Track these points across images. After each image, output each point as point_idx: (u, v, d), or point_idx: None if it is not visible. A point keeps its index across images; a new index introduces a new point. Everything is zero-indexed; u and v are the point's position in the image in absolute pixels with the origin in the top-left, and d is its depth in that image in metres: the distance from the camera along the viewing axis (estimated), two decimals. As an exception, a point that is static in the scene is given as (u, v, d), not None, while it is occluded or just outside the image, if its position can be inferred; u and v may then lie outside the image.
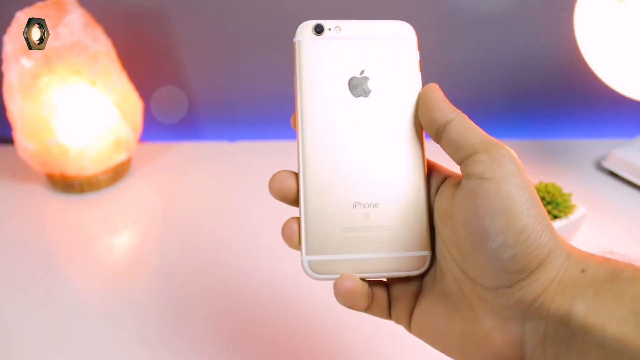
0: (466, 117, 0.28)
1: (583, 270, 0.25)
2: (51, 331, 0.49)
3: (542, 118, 0.81)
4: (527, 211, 0.25)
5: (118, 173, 0.70)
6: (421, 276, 0.30)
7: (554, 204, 0.52)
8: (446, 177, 0.30)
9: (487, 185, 0.26)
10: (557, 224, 0.51)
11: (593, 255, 0.26)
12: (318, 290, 0.50)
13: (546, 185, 0.53)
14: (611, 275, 0.24)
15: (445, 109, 0.28)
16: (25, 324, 0.50)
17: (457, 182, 0.29)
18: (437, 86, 0.30)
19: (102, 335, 0.48)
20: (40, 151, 0.64)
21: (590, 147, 0.74)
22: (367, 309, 0.31)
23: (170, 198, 0.68)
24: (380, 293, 0.31)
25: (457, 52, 0.75)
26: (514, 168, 0.26)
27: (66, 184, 0.68)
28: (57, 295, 0.53)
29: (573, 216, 0.52)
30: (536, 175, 0.66)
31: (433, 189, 0.30)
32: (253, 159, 0.75)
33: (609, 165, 0.68)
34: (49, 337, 0.48)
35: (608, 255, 0.26)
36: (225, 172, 0.73)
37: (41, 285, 0.54)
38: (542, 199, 0.52)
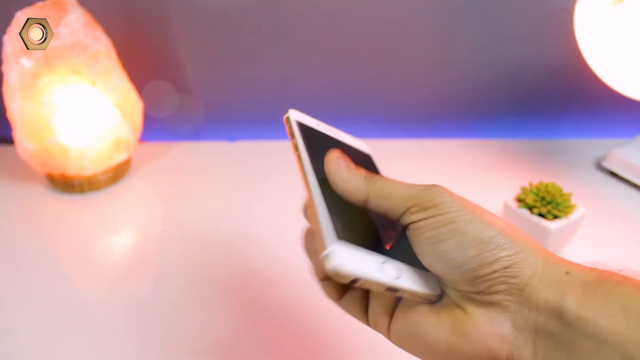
0: (377, 182, 0.29)
1: (567, 272, 0.26)
2: (51, 331, 0.49)
3: (542, 118, 0.80)
4: (474, 225, 0.26)
5: (118, 173, 0.70)
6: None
7: (554, 204, 0.52)
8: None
9: (427, 223, 0.27)
10: (557, 224, 0.51)
11: (576, 263, 0.26)
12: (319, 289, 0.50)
13: (546, 185, 0.53)
14: (599, 280, 0.25)
15: (353, 189, 0.29)
16: (25, 323, 0.50)
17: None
18: (336, 157, 0.30)
19: (102, 335, 0.48)
20: (40, 151, 0.64)
21: (590, 147, 0.74)
22: (340, 300, 0.32)
23: (170, 198, 0.68)
24: (357, 290, 0.32)
25: (457, 52, 0.75)
26: (447, 200, 0.27)
27: (66, 184, 0.68)
28: (56, 295, 0.53)
29: (573, 216, 0.52)
30: (536, 175, 0.66)
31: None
32: (253, 159, 0.75)
33: (609, 165, 0.68)
34: (48, 337, 0.48)
35: (596, 265, 0.27)
36: (225, 172, 0.73)
37: (41, 285, 0.54)
38: (542, 198, 0.52)
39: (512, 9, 0.72)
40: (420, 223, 0.27)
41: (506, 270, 0.26)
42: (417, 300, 0.29)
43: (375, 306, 0.31)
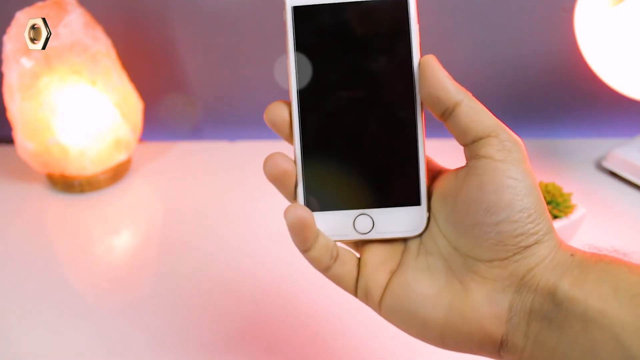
0: (473, 97, 0.29)
1: (572, 255, 0.26)
2: (51, 331, 0.49)
3: (542, 118, 0.80)
4: (531, 192, 0.27)
5: (118, 173, 0.70)
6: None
7: (554, 204, 0.52)
8: (441, 170, 0.31)
9: (496, 165, 0.27)
10: (557, 223, 0.51)
11: (579, 249, 0.27)
12: (320, 288, 0.50)
13: (546, 185, 0.53)
14: (596, 259, 0.26)
15: (451, 89, 0.28)
16: (25, 323, 0.50)
17: (459, 168, 0.29)
18: (436, 59, 0.29)
19: (102, 335, 0.48)
20: (40, 151, 0.64)
21: (590, 147, 0.74)
22: (328, 271, 0.30)
23: (170, 198, 0.68)
24: (347, 257, 0.30)
25: (457, 52, 0.75)
26: (520, 155, 0.28)
27: (66, 184, 0.68)
28: (56, 295, 0.53)
29: (573, 216, 0.52)
30: (536, 175, 0.66)
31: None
32: (253, 159, 0.74)
33: (609, 165, 0.68)
34: (48, 337, 0.48)
35: (594, 251, 0.28)
36: (225, 172, 0.73)
37: (41, 285, 0.54)
38: (542, 199, 0.52)
39: (512, 9, 0.72)
40: (486, 162, 0.27)
41: (528, 249, 0.26)
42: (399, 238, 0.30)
43: (366, 279, 0.29)
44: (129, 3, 0.73)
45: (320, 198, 0.30)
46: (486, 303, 0.26)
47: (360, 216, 0.30)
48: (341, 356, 0.46)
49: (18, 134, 0.65)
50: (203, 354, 0.46)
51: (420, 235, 0.30)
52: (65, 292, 0.54)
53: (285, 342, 0.47)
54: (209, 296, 0.52)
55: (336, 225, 0.29)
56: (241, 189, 0.69)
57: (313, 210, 0.29)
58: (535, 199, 0.27)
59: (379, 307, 0.29)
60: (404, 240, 0.30)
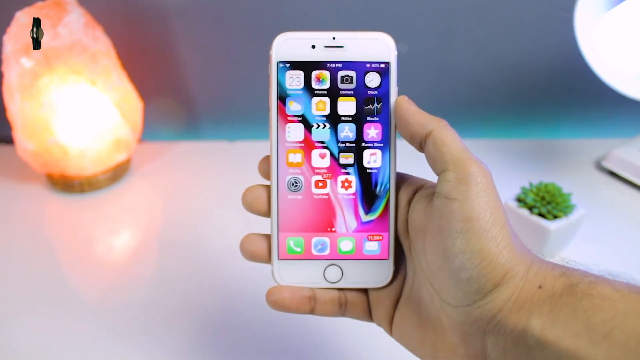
0: (444, 125, 0.29)
1: (540, 286, 0.26)
2: (51, 330, 0.49)
3: (542, 118, 0.80)
4: (486, 234, 0.26)
5: (118, 173, 0.70)
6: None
7: (554, 204, 0.52)
8: (420, 187, 0.31)
9: (451, 206, 0.27)
10: (557, 223, 0.51)
11: (552, 267, 0.26)
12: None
13: (546, 185, 0.53)
14: (567, 290, 0.25)
15: (422, 121, 0.29)
16: (25, 323, 0.50)
17: (432, 193, 0.29)
18: (406, 98, 0.30)
19: (102, 335, 0.48)
20: (40, 151, 0.64)
21: (590, 147, 0.74)
22: (343, 316, 0.32)
23: (170, 198, 0.68)
24: (357, 299, 0.32)
25: (457, 52, 0.75)
26: (479, 188, 0.27)
27: (66, 184, 0.68)
28: (56, 295, 0.53)
29: (573, 216, 0.52)
30: (536, 175, 0.66)
31: (405, 201, 0.31)
32: (253, 159, 0.75)
33: (608, 165, 0.68)
34: (48, 337, 0.48)
35: (571, 264, 0.27)
36: (225, 172, 0.73)
37: (41, 285, 0.54)
38: (542, 198, 0.52)
39: (512, 9, 0.72)
40: (443, 202, 0.27)
41: (488, 294, 0.26)
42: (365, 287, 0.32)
43: (376, 314, 0.32)
44: (129, 3, 0.73)
45: (293, 247, 0.32)
46: (461, 345, 0.27)
47: (330, 266, 0.32)
48: (341, 357, 0.46)
49: (18, 134, 0.65)
50: (203, 353, 0.46)
51: (386, 286, 0.32)
52: (65, 291, 0.54)
53: (286, 342, 0.47)
54: (209, 296, 0.52)
55: (308, 273, 0.32)
56: (241, 188, 0.69)
57: (287, 258, 0.32)
58: (490, 240, 0.26)
59: (391, 333, 0.32)
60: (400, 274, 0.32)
